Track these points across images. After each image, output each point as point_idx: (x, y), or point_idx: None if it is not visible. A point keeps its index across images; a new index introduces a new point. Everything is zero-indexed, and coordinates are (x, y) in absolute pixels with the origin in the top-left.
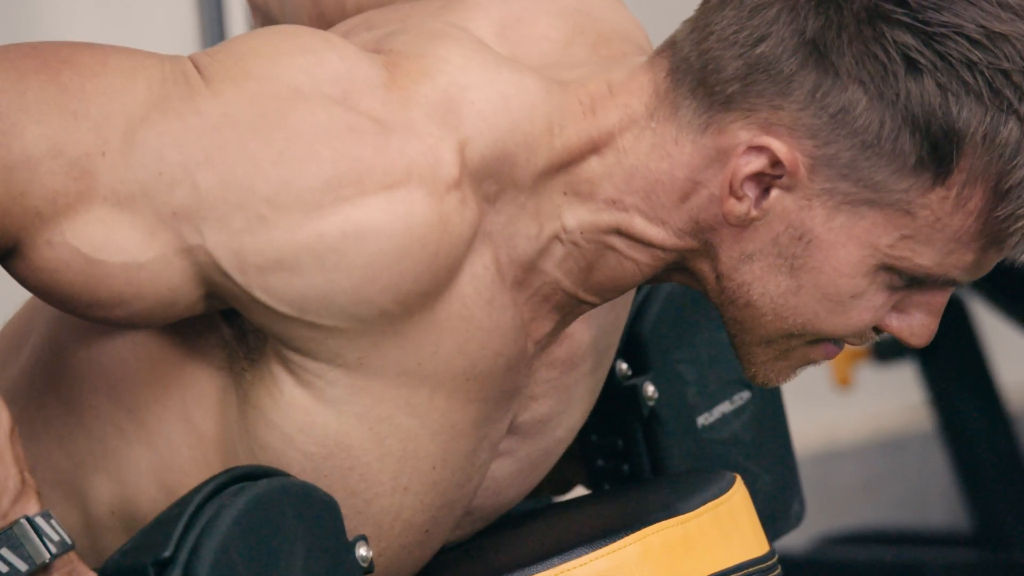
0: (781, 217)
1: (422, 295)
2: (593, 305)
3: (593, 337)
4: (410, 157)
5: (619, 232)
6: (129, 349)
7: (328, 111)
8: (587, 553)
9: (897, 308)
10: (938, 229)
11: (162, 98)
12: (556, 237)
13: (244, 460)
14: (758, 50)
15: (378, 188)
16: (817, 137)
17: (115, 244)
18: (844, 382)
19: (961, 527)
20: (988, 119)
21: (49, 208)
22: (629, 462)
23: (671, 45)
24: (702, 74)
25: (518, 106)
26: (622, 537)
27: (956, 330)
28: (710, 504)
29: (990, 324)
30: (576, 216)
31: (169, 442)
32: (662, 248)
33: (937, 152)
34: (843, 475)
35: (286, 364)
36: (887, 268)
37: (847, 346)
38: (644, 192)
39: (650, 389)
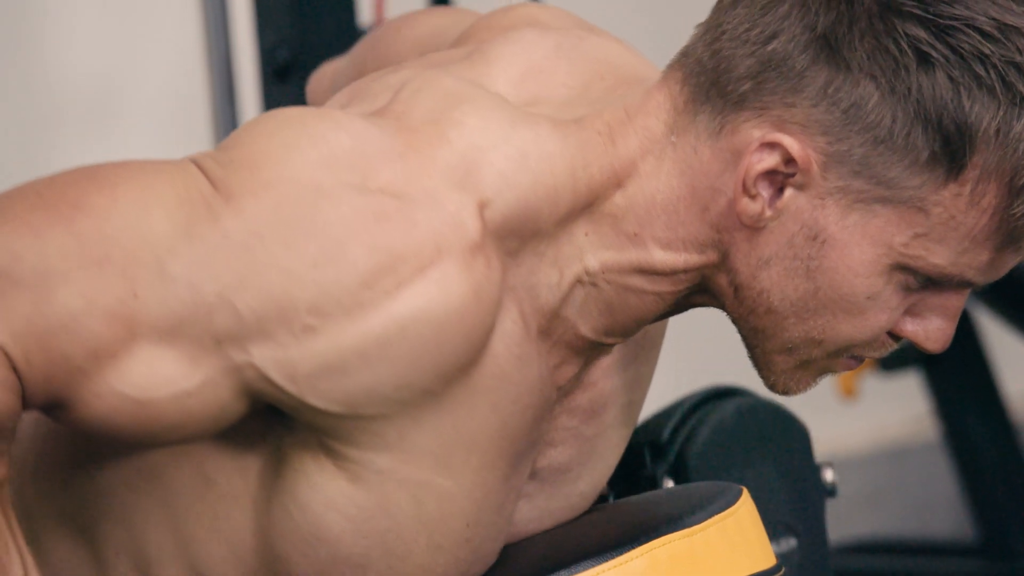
0: (795, 217)
1: (461, 367)
2: (614, 345)
3: (616, 388)
4: (437, 230)
5: (640, 270)
6: (164, 454)
7: (351, 203)
8: (594, 566)
9: (912, 312)
10: (952, 227)
11: (184, 225)
12: (577, 281)
13: (279, 515)
14: (770, 47)
15: (412, 273)
16: (829, 133)
17: (161, 379)
18: (849, 392)
19: (966, 537)
20: (1001, 113)
21: (92, 363)
22: None
23: (684, 54)
24: (715, 74)
25: (537, 160)
26: (629, 550)
27: (960, 340)
28: (717, 517)
29: (994, 334)
30: (598, 257)
31: (181, 496)
32: (684, 271)
33: (949, 147)
34: (848, 485)
35: (328, 451)
36: (902, 268)
37: None
38: (664, 216)
39: None
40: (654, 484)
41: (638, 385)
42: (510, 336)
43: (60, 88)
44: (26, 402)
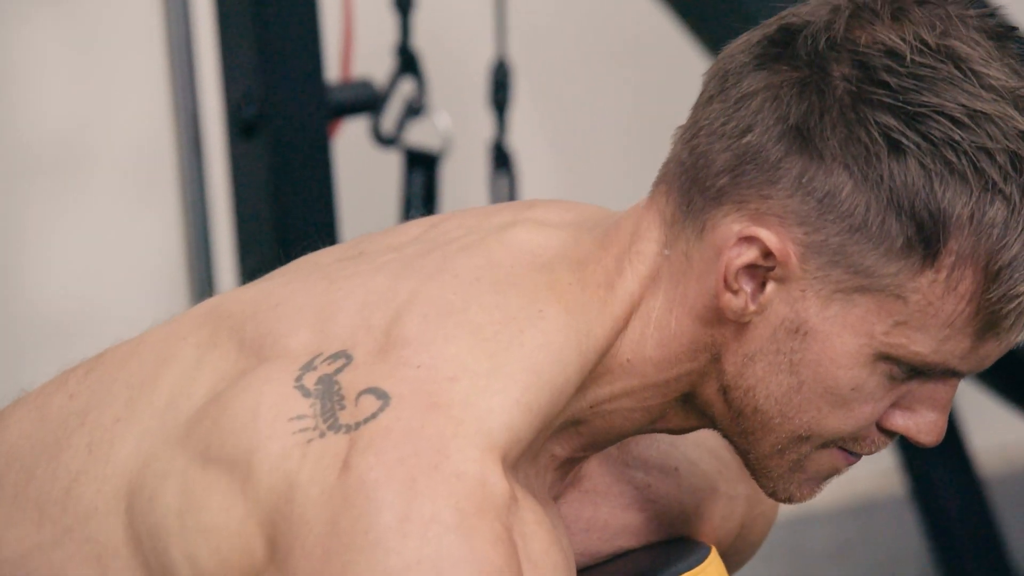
0: (777, 311)
1: None
2: (584, 459)
3: (611, 468)
4: (503, 527)
5: (630, 394)
6: None
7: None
8: None
9: (902, 406)
10: (931, 314)
11: None
12: (565, 420)
13: None
14: (744, 139)
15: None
16: (806, 223)
17: None
18: None
19: None
20: (974, 199)
21: None
22: None
23: (665, 164)
24: (694, 171)
25: (549, 368)
26: None
27: None
28: (685, 575)
29: (961, 389)
30: (587, 398)
31: None
32: (676, 379)
33: (923, 233)
34: (815, 540)
35: None
36: (885, 357)
37: None
38: (657, 333)
39: None
40: None
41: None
42: (534, 512)
43: (26, 142)
44: None
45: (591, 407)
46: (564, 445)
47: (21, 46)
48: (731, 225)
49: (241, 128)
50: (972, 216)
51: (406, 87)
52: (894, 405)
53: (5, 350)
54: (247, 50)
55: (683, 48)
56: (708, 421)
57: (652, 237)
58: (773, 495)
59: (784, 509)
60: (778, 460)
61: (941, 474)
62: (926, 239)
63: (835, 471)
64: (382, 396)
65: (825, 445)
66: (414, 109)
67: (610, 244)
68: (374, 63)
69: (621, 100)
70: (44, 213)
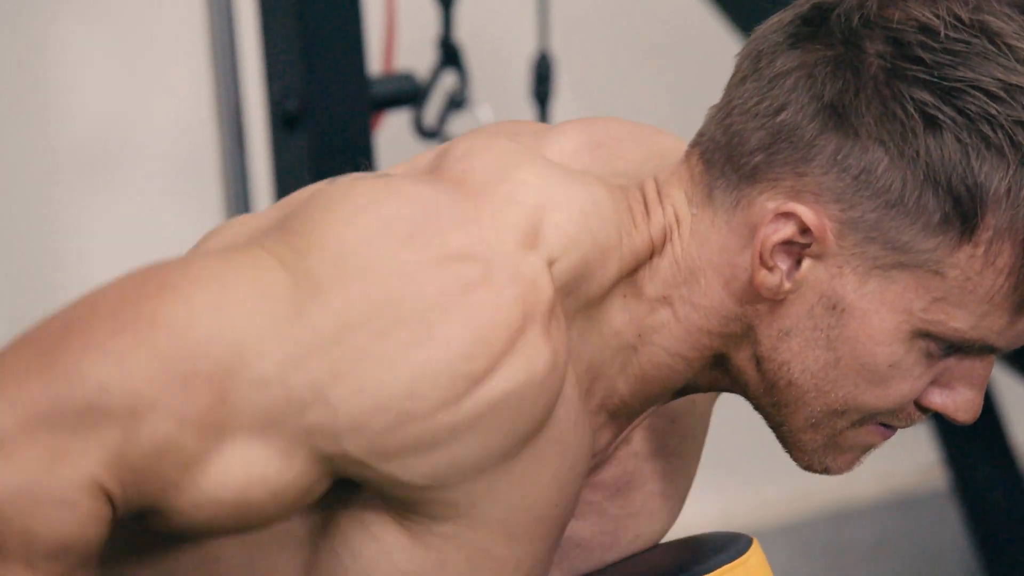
0: (814, 288)
1: (536, 431)
2: (640, 412)
3: (643, 472)
4: (521, 297)
5: (669, 332)
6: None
7: (436, 280)
8: None
9: (939, 383)
10: (969, 289)
11: (269, 325)
12: (619, 345)
13: (325, 557)
14: (779, 118)
15: (504, 347)
16: (842, 200)
17: (256, 478)
18: None
19: None
20: (1011, 173)
21: (185, 476)
22: None
23: (699, 135)
24: (728, 150)
25: (595, 218)
26: None
27: None
28: (727, 567)
29: (1004, 383)
30: (635, 320)
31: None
32: (708, 334)
33: (961, 208)
34: (857, 534)
35: (392, 511)
36: (923, 334)
37: None
38: (687, 284)
39: None
40: None
41: (672, 478)
42: (569, 400)
43: (70, 136)
44: (116, 518)
45: (639, 334)
46: (625, 380)
47: (64, 41)
48: (766, 203)
49: (283, 121)
50: (1009, 190)
51: (448, 80)
52: (931, 382)
53: None
54: (290, 43)
55: (723, 40)
56: (740, 388)
57: (682, 190)
58: (809, 468)
59: (826, 503)
60: (812, 434)
61: (983, 469)
62: (963, 214)
63: (872, 445)
64: (423, 179)
65: (862, 421)
66: (456, 102)
67: (647, 181)
68: (416, 56)
69: (662, 92)
70: (87, 207)
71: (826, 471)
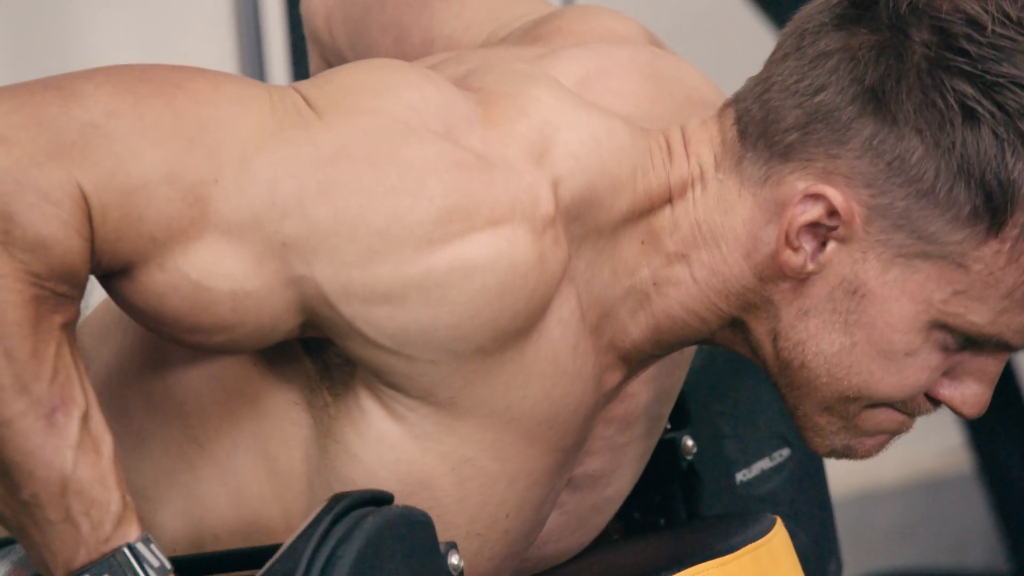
0: (837, 271)
1: (516, 333)
2: (655, 359)
3: (649, 400)
4: (513, 194)
5: (685, 289)
6: (203, 382)
7: (436, 146)
8: None
9: (950, 375)
10: (991, 284)
11: (275, 128)
12: (632, 286)
13: (321, 494)
14: (817, 99)
15: (485, 224)
16: (873, 186)
17: (223, 272)
18: None
19: (1000, 569)
20: None
21: (163, 233)
22: (666, 515)
23: (736, 99)
24: (763, 125)
25: (608, 148)
26: None
27: None
28: (750, 546)
29: None
30: (651, 267)
31: (239, 476)
32: (725, 299)
33: (991, 203)
34: (882, 517)
35: (378, 397)
36: (940, 326)
37: None
38: (707, 247)
39: (689, 443)
40: None
41: (667, 399)
42: (567, 323)
43: None
44: (94, 257)
45: (654, 283)
46: (637, 325)
47: (91, 38)
48: (796, 182)
49: None
50: None
51: None
52: (943, 374)
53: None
54: None
55: (750, 25)
56: (760, 361)
57: (711, 150)
58: (831, 452)
59: (851, 487)
60: (828, 417)
61: (1009, 452)
62: (994, 209)
63: (895, 429)
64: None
65: (874, 405)
66: None
67: (675, 127)
68: None
69: None
70: None
71: (850, 454)
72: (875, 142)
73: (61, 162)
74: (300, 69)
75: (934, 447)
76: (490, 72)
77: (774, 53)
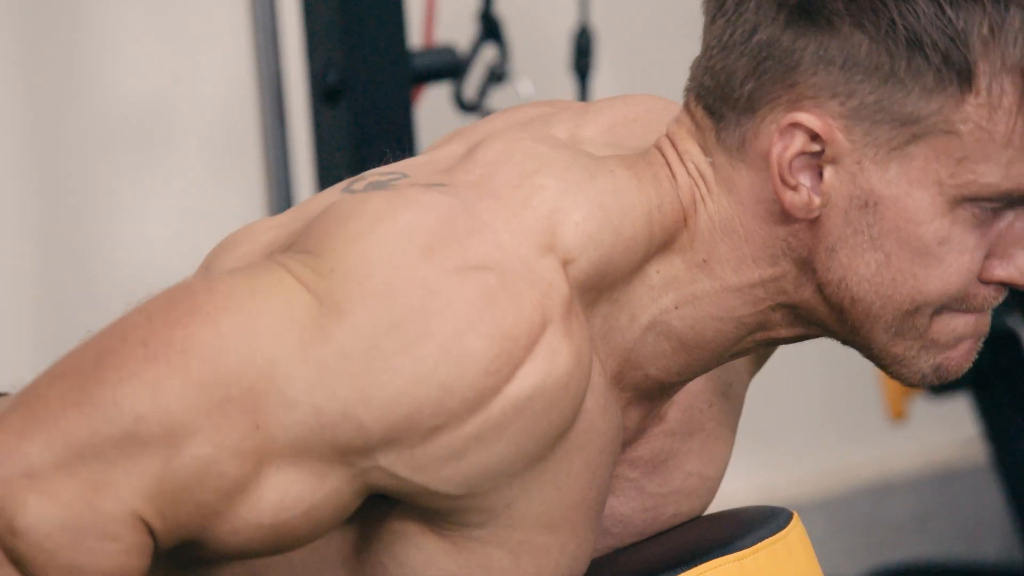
0: (841, 193)
1: (565, 429)
2: (679, 385)
3: (677, 450)
4: (539, 301)
5: (715, 297)
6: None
7: (459, 293)
8: None
9: (997, 255)
10: (987, 139)
11: (297, 349)
12: (652, 321)
13: (373, 571)
14: (754, 40)
15: (525, 352)
16: (838, 94)
17: (291, 499)
18: (898, 416)
19: (1015, 560)
20: (988, 13)
21: (225, 504)
22: None
23: (691, 83)
24: (721, 91)
25: (617, 214)
26: (679, 573)
27: (1009, 363)
28: (767, 541)
29: None
30: (671, 294)
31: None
32: (761, 286)
33: (951, 61)
34: (897, 508)
35: (429, 521)
36: (960, 201)
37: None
38: (726, 238)
39: None
40: None
41: (709, 460)
42: (596, 388)
43: (110, 112)
44: (159, 547)
45: (677, 307)
46: (657, 361)
47: (105, 15)
48: (769, 126)
49: (324, 95)
50: (992, 29)
51: (488, 53)
52: (989, 256)
53: (91, 319)
54: (330, 17)
55: None
56: (819, 329)
57: (695, 140)
58: (923, 381)
59: (866, 479)
60: (902, 343)
61: (1023, 442)
62: (955, 65)
63: (971, 333)
64: (437, 184)
65: (938, 312)
66: (496, 75)
67: (661, 139)
68: (457, 29)
69: None
70: (128, 181)
71: (942, 374)
72: (822, 52)
73: (107, 491)
74: (314, 57)
75: (949, 438)
76: (493, 159)
77: (704, 24)
